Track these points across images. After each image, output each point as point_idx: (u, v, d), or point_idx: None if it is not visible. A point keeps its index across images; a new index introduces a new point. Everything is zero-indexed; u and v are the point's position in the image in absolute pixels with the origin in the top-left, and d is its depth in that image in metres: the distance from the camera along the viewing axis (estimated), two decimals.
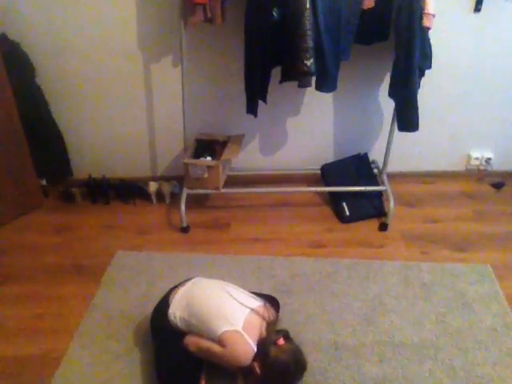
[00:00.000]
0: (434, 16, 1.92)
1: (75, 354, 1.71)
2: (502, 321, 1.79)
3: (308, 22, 1.83)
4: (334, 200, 2.51)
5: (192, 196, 2.39)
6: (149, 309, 1.77)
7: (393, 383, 1.58)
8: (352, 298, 1.92)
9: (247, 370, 1.50)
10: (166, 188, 2.58)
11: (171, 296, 1.64)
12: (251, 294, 1.66)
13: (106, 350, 1.73)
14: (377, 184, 2.54)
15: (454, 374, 1.60)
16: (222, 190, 2.34)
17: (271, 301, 1.72)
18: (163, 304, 1.64)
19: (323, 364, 1.64)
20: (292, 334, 1.56)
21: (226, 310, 1.54)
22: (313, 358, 1.65)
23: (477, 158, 2.70)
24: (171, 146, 2.63)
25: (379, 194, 2.50)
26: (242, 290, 1.67)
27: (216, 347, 1.48)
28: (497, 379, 1.58)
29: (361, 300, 1.90)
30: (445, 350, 1.69)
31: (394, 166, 2.59)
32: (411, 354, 1.67)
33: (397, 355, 1.67)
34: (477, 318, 1.81)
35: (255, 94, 2.12)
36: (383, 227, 2.35)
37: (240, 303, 1.55)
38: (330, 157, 2.68)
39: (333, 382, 1.59)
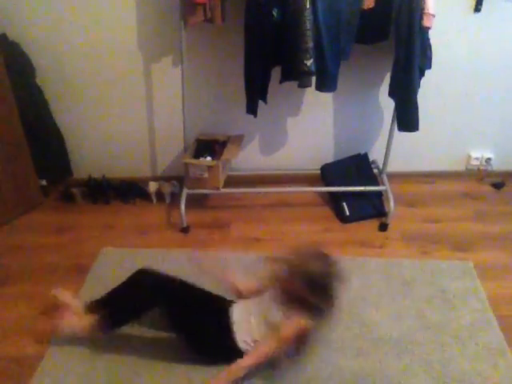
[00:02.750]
0: (434, 16, 1.92)
1: (56, 349, 1.71)
2: (480, 317, 1.80)
3: (308, 22, 1.84)
4: (334, 200, 2.51)
5: (192, 196, 2.39)
6: None
7: (370, 377, 1.59)
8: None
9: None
10: (166, 188, 2.58)
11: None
12: None
13: (87, 344, 1.72)
14: (377, 184, 2.54)
15: (430, 369, 1.61)
16: (222, 190, 2.34)
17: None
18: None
19: (302, 358, 1.65)
20: None
21: None
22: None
23: (477, 158, 2.70)
24: (171, 146, 2.63)
25: (379, 193, 2.50)
26: None
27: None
28: (473, 373, 1.59)
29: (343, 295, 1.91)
30: (423, 345, 1.69)
31: (393, 166, 2.59)
32: (389, 348, 1.68)
33: (375, 350, 1.68)
34: (456, 314, 1.82)
35: (255, 94, 2.12)
36: (383, 227, 2.35)
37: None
38: (329, 157, 2.68)
39: (311, 375, 1.59)
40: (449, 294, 1.92)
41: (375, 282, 1.99)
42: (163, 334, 1.75)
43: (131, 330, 1.76)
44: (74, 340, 1.73)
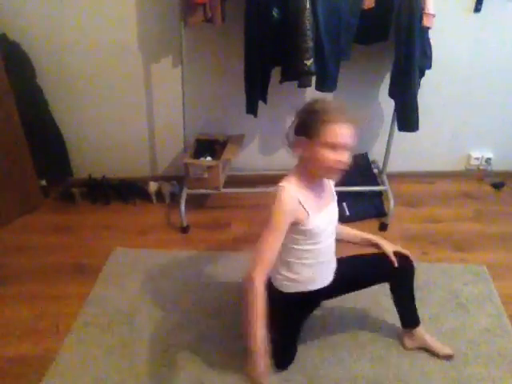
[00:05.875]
0: (434, 16, 1.92)
1: (70, 349, 1.72)
2: (495, 321, 1.79)
3: (308, 22, 1.84)
4: None
5: (192, 196, 2.39)
6: (144, 304, 1.82)
7: (384, 382, 1.58)
8: (345, 296, 1.91)
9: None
10: (166, 188, 2.58)
11: None
12: None
13: (100, 344, 1.74)
14: (377, 184, 2.54)
15: (445, 374, 1.59)
16: (222, 190, 2.34)
17: None
18: None
19: (315, 361, 1.65)
20: None
21: None
22: (305, 355, 1.66)
23: (477, 158, 2.70)
24: (171, 146, 2.63)
25: (379, 193, 2.50)
26: None
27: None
28: (488, 379, 1.58)
29: (355, 299, 1.89)
30: None
31: (394, 166, 2.59)
32: (403, 353, 1.67)
33: (389, 354, 1.67)
34: (471, 319, 1.81)
35: (255, 94, 2.12)
36: (383, 227, 2.35)
37: None
38: None
39: (323, 378, 1.59)
40: (462, 298, 1.90)
41: (385, 285, 1.97)
42: (177, 337, 1.76)
43: (145, 331, 1.77)
44: (85, 341, 1.75)
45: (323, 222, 1.40)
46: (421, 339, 1.64)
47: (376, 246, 1.60)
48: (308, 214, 1.33)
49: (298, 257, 1.44)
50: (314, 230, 1.37)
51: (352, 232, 1.67)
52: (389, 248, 1.57)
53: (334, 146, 1.27)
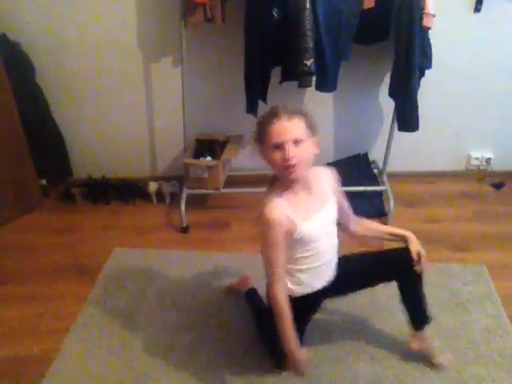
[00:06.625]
0: (434, 16, 1.92)
1: (70, 349, 1.72)
2: (495, 321, 1.79)
3: (308, 22, 1.84)
4: None
5: (192, 196, 2.39)
6: (144, 304, 1.83)
7: (384, 382, 1.57)
8: (345, 296, 1.91)
9: None
10: (166, 188, 2.58)
11: None
12: None
13: (100, 344, 1.73)
14: (377, 184, 2.54)
15: (445, 374, 1.59)
16: (222, 190, 2.34)
17: None
18: None
19: (315, 361, 1.64)
20: None
21: None
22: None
23: (477, 158, 2.70)
24: (171, 146, 2.63)
25: (379, 193, 2.50)
26: None
27: None
28: (488, 379, 1.57)
29: (354, 299, 1.88)
30: None
31: (394, 166, 2.59)
32: (403, 353, 1.67)
33: (389, 354, 1.67)
34: (470, 319, 1.81)
35: (255, 93, 2.12)
36: None
37: None
38: (330, 157, 2.68)
39: (323, 379, 1.59)
40: (462, 298, 1.90)
41: (386, 284, 1.97)
42: (177, 337, 1.75)
43: (144, 331, 1.78)
44: (85, 341, 1.75)
45: (314, 228, 1.40)
46: (426, 343, 1.61)
47: (406, 240, 1.53)
48: (296, 224, 1.37)
49: (295, 263, 1.45)
50: (305, 238, 1.39)
51: (379, 228, 1.66)
52: (414, 247, 1.50)
53: (276, 146, 1.32)
